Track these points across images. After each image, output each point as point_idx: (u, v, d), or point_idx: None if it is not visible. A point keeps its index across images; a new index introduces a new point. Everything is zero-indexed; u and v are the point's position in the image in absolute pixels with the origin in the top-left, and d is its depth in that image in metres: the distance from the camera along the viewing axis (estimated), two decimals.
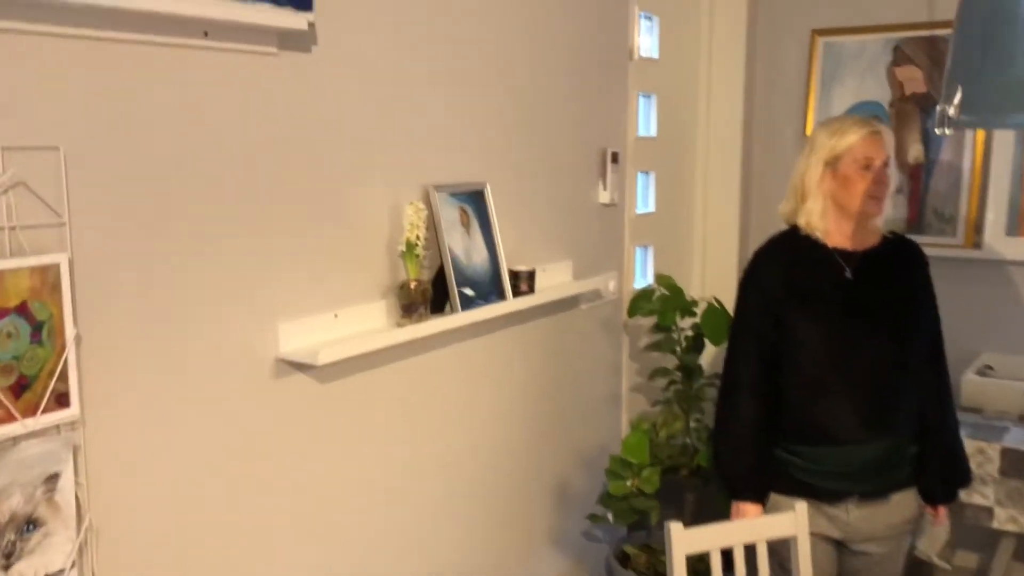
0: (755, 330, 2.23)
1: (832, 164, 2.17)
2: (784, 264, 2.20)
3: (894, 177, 2.17)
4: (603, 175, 2.86)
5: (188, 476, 1.67)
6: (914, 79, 3.42)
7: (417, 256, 2.05)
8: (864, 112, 3.45)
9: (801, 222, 2.22)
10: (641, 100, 3.15)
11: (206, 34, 1.63)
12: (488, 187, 2.33)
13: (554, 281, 2.65)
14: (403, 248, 2.05)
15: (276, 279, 1.82)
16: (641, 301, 2.77)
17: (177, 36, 1.58)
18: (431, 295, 2.08)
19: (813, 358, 2.12)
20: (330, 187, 1.92)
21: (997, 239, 3.28)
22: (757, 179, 3.59)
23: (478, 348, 2.38)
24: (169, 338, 1.62)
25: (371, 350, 1.94)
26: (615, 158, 2.87)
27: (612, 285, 2.95)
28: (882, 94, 3.45)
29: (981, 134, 3.26)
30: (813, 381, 2.12)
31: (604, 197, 2.86)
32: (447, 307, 2.19)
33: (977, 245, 3.28)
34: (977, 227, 3.29)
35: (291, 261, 1.85)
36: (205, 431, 1.70)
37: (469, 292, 2.22)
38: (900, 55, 3.41)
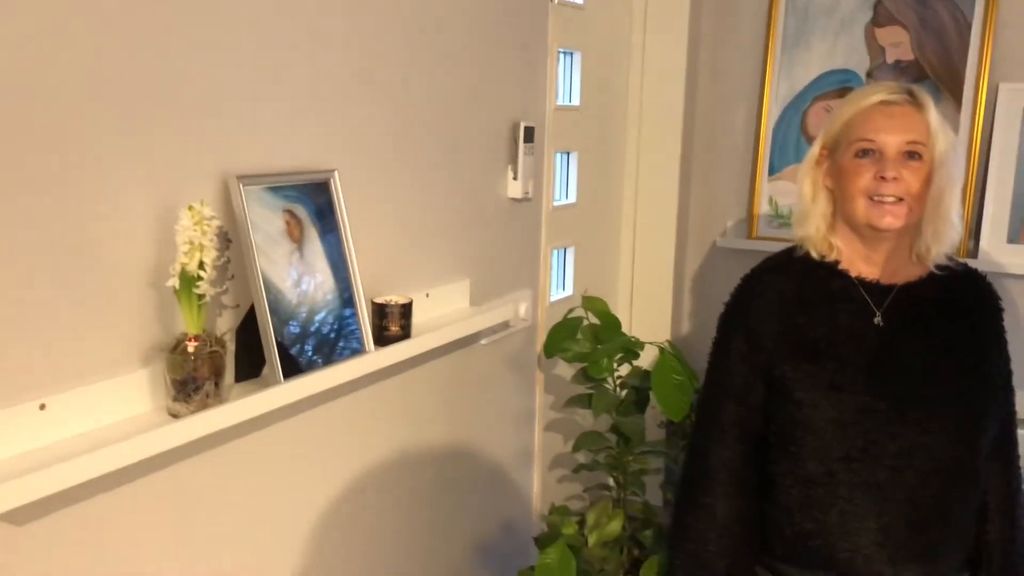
0: (736, 395, 1.51)
1: (833, 151, 1.46)
2: (784, 299, 1.48)
3: (944, 172, 1.44)
4: (514, 160, 2.06)
5: None
6: (899, 43, 2.72)
7: (199, 296, 1.21)
8: (832, 84, 2.76)
9: (801, 238, 1.51)
10: (562, 58, 2.35)
11: None
12: (337, 177, 1.50)
13: (442, 310, 1.84)
14: (175, 283, 1.20)
15: None
16: (562, 337, 1.99)
17: None
18: (222, 359, 1.24)
19: (820, 445, 1.42)
20: (25, 169, 1.06)
21: (997, 247, 2.63)
22: (701, 164, 2.84)
23: (320, 420, 1.55)
24: None
25: (107, 471, 1.09)
26: (529, 135, 2.07)
27: (524, 309, 2.16)
28: (858, 62, 2.75)
29: (980, 114, 2.60)
30: (818, 479, 1.43)
31: (515, 189, 2.06)
32: (264, 371, 1.36)
33: (972, 254, 2.63)
34: (972, 232, 2.64)
35: None
36: None
37: (300, 346, 1.39)
38: (882, 12, 2.71)
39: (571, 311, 2.09)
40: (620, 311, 2.75)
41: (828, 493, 1.39)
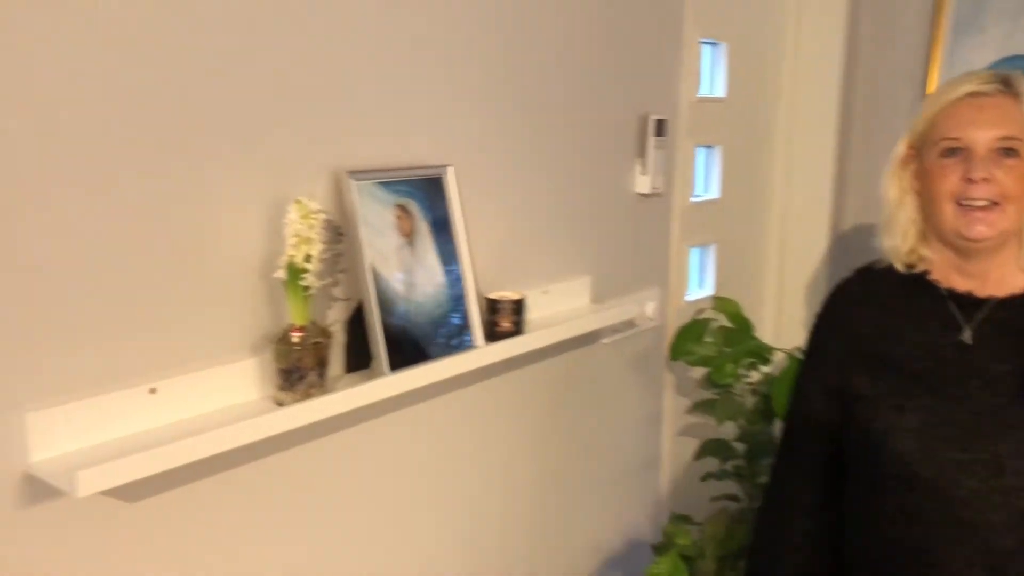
0: (815, 417, 1.42)
1: (920, 150, 1.32)
2: (862, 316, 1.37)
3: None
4: (642, 154, 2.00)
5: None
6: None
7: (305, 289, 1.24)
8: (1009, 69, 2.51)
9: (887, 249, 1.39)
10: (705, 49, 2.27)
11: None
12: (450, 172, 1.50)
13: (560, 308, 1.81)
14: (283, 275, 1.23)
15: (18, 326, 1.03)
16: (689, 339, 1.92)
17: None
18: (326, 350, 1.27)
19: (902, 480, 1.29)
20: (139, 164, 1.12)
21: None
22: (858, 159, 2.66)
23: (428, 415, 1.56)
24: None
25: (212, 454, 1.14)
26: (661, 128, 2.01)
27: (651, 308, 2.10)
28: None
29: None
30: (902, 522, 1.30)
31: (643, 184, 2.00)
32: (373, 363, 1.38)
33: None
34: None
35: (54, 292, 1.05)
36: None
37: (408, 339, 1.40)
38: None
39: (700, 312, 2.01)
40: (765, 314, 2.62)
41: (915, 539, 1.26)
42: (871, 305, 1.38)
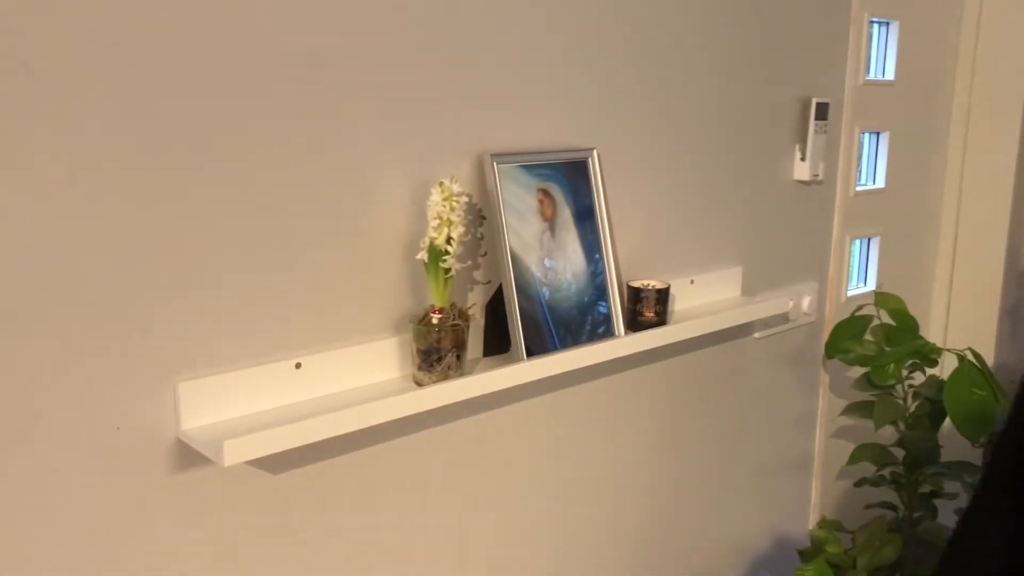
0: (1010, 498, 1.15)
1: None
2: None
3: None
4: (802, 139, 1.90)
5: None
6: None
7: (446, 271, 1.24)
8: None
9: None
10: (875, 28, 2.13)
11: None
12: (596, 155, 1.47)
13: (709, 299, 1.74)
14: (424, 256, 1.24)
15: (173, 299, 1.07)
16: (846, 337, 1.80)
17: None
18: (464, 333, 1.26)
19: None
20: (294, 144, 1.14)
21: None
22: None
23: (565, 402, 1.54)
24: None
25: (352, 430, 1.16)
26: (822, 112, 1.90)
27: (807, 302, 1.99)
28: None
29: None
30: None
31: (802, 171, 1.90)
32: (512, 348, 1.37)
33: None
34: None
35: (206, 267, 1.10)
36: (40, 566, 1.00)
37: (546, 325, 1.38)
38: None
39: (859, 308, 1.89)
40: (933, 313, 2.45)
41: None
42: None
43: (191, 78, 1.04)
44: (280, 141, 1.13)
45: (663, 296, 1.53)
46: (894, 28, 2.19)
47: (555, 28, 1.40)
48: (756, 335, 1.88)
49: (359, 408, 1.14)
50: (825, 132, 1.92)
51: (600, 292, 1.46)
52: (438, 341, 1.24)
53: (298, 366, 1.18)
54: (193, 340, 1.09)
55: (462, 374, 1.27)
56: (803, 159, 1.89)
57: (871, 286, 2.27)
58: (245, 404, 1.14)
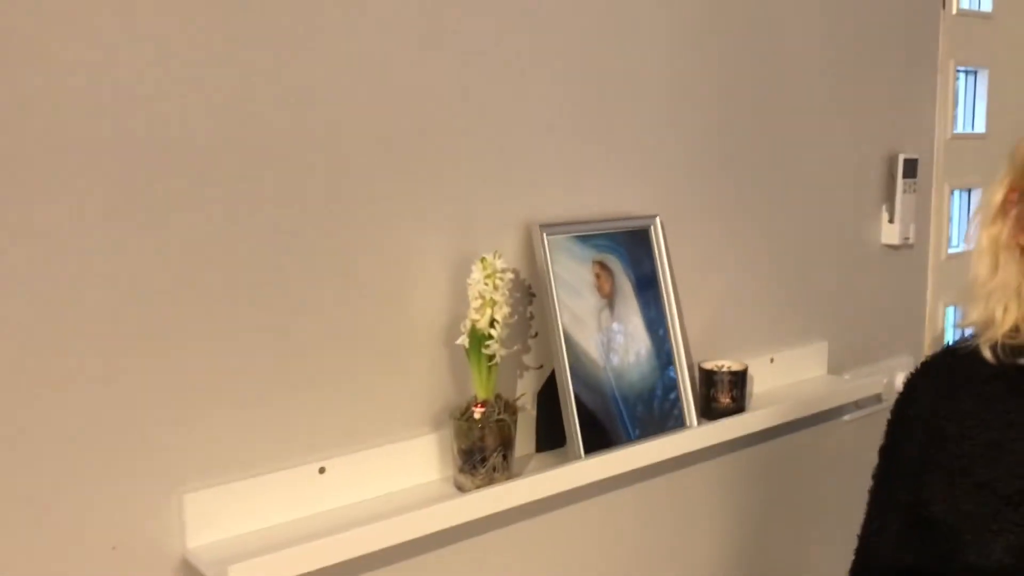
0: (887, 533, 1.12)
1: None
2: (939, 419, 1.03)
3: None
4: (889, 199, 1.72)
5: None
6: None
7: (490, 358, 1.09)
8: None
9: (975, 323, 1.04)
10: (962, 78, 1.95)
11: None
12: (657, 223, 1.31)
13: (791, 379, 1.56)
14: (465, 341, 1.09)
15: (179, 396, 0.94)
16: None
17: None
18: (510, 429, 1.10)
19: None
20: (314, 216, 1.02)
21: None
22: None
23: (631, 502, 1.36)
24: None
25: (381, 548, 1.00)
26: (911, 169, 1.72)
27: (901, 379, 1.78)
28: None
29: None
30: None
31: (890, 234, 1.72)
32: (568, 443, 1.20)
33: None
34: None
35: (215, 358, 0.97)
36: None
37: (608, 416, 1.21)
38: None
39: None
40: None
41: None
42: (961, 398, 1.02)
43: (190, 158, 0.93)
44: (301, 211, 1.00)
45: (740, 379, 1.36)
46: (983, 77, 2.01)
47: (609, 83, 1.27)
48: (846, 418, 1.68)
49: (386, 523, 0.99)
50: (914, 191, 1.73)
51: (668, 375, 1.29)
52: (481, 439, 1.08)
53: (322, 471, 1.03)
54: (200, 443, 0.96)
55: (509, 476, 1.11)
56: (891, 221, 1.71)
57: None
58: (261, 516, 0.99)
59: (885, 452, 1.15)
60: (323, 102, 1.01)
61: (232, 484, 0.97)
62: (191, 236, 0.93)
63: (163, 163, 0.91)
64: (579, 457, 1.17)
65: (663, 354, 1.29)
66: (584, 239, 1.23)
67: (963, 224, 2.06)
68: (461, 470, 1.10)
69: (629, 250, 1.27)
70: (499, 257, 1.09)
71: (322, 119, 1.01)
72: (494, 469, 1.09)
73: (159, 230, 0.91)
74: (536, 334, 1.22)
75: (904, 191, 1.70)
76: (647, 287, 1.29)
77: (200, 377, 0.95)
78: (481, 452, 1.08)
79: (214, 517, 0.96)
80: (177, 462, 0.94)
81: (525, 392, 1.21)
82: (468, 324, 1.09)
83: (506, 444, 1.10)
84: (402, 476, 1.10)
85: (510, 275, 1.10)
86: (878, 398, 1.70)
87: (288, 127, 0.99)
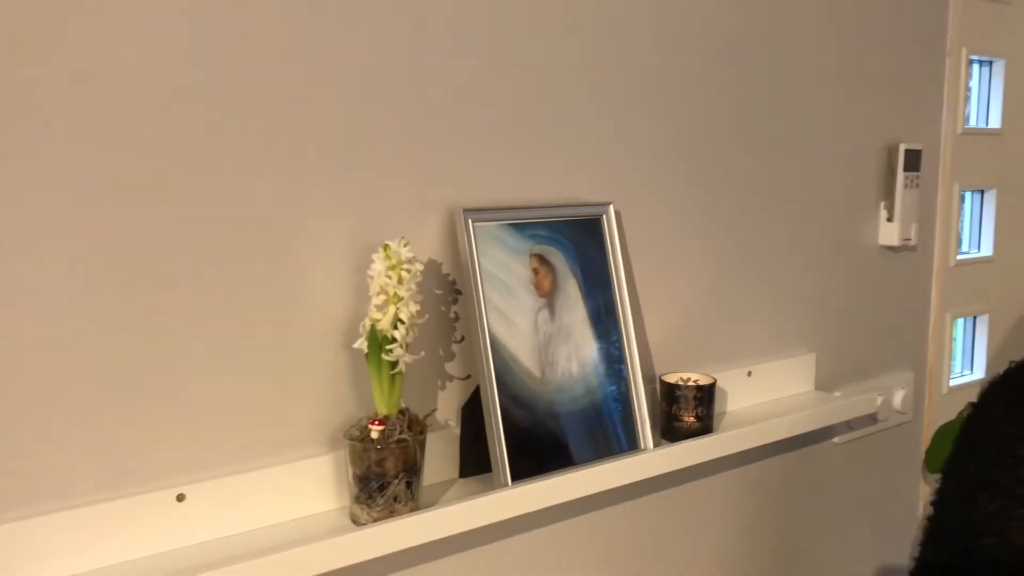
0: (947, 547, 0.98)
1: None
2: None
3: None
4: (888, 195, 1.53)
5: None
6: None
7: (392, 365, 0.91)
8: None
9: None
10: (975, 68, 1.77)
11: None
12: (611, 212, 1.13)
13: (771, 395, 1.37)
14: (363, 344, 0.91)
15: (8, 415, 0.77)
16: (949, 447, 1.39)
17: None
18: (414, 453, 0.92)
19: None
20: (180, 190, 0.84)
21: None
22: None
23: (570, 537, 1.17)
24: None
25: None
26: (913, 162, 1.53)
27: (900, 397, 1.59)
28: None
29: None
30: None
31: (889, 234, 1.53)
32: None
33: None
34: None
35: (41, 359, 0.79)
36: None
37: (543, 436, 1.02)
38: None
39: (970, 407, 1.48)
40: None
41: None
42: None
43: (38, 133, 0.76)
44: (161, 184, 0.82)
45: (707, 394, 1.17)
46: (999, 68, 1.82)
47: (560, 47, 1.09)
48: (836, 440, 1.49)
49: (250, 564, 0.80)
50: (917, 186, 1.54)
51: (620, 389, 1.11)
52: (379, 463, 0.90)
53: (180, 498, 0.85)
54: (29, 460, 0.78)
55: (415, 507, 0.92)
56: (890, 219, 1.52)
57: (978, 373, 1.85)
58: (97, 555, 0.81)
59: (945, 469, 1.04)
60: (191, 64, 0.83)
61: (55, 515, 0.79)
62: (37, 215, 0.76)
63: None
64: (505, 485, 0.98)
65: (614, 364, 1.10)
66: (519, 228, 1.04)
67: (976, 227, 1.86)
68: (357, 499, 0.91)
69: (575, 242, 1.09)
70: (405, 245, 0.91)
71: (190, 84, 0.83)
72: (395, 499, 0.91)
73: None
74: (462, 339, 1.04)
75: (905, 186, 1.51)
76: (597, 286, 1.10)
77: (14, 383, 0.77)
78: (380, 478, 0.90)
79: (28, 557, 0.78)
80: None
81: (440, 407, 1.02)
82: (367, 324, 0.91)
83: (410, 469, 0.91)
84: (286, 506, 0.92)
85: (419, 266, 0.92)
86: (873, 418, 1.51)
87: (148, 91, 0.81)
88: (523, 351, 1.02)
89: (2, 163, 0.75)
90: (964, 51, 1.69)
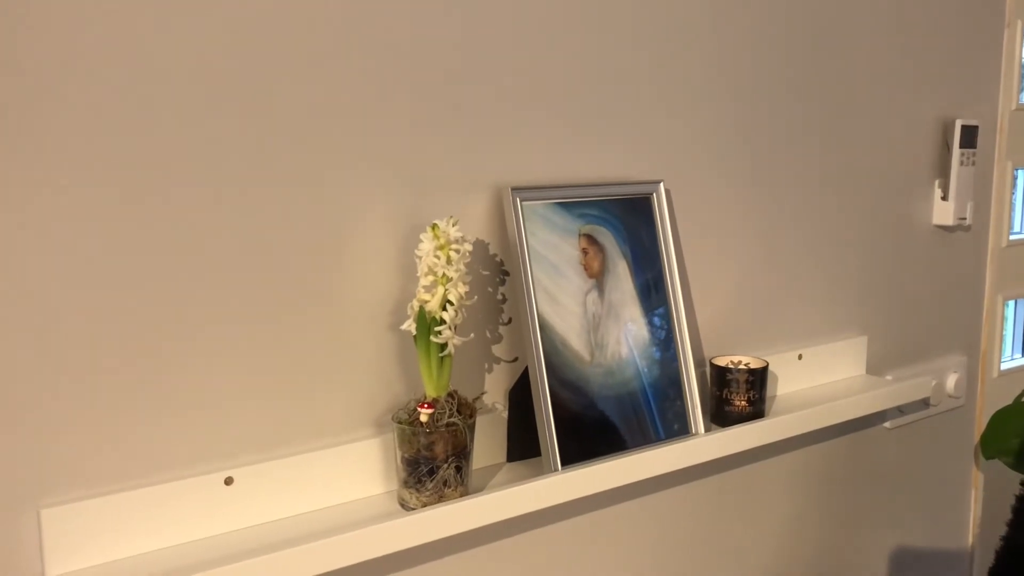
0: None
1: None
2: None
3: None
4: (943, 172, 1.48)
5: None
6: None
7: (441, 348, 0.89)
8: None
9: None
10: None
11: None
12: (661, 190, 1.10)
13: (822, 379, 1.34)
14: (412, 326, 0.89)
15: (39, 385, 0.76)
16: (1009, 430, 1.36)
17: None
18: (464, 436, 0.90)
19: None
20: (230, 172, 0.82)
21: None
22: None
23: (622, 521, 1.15)
24: None
25: None
26: (969, 139, 1.48)
27: (953, 381, 1.55)
28: None
29: None
30: None
31: (943, 214, 1.48)
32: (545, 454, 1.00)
33: None
34: None
35: (92, 338, 0.78)
36: None
37: (592, 420, 1.00)
38: None
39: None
40: None
41: None
42: None
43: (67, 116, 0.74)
44: (213, 167, 0.81)
45: (759, 378, 1.14)
46: None
47: (612, 25, 1.05)
48: (887, 424, 1.45)
49: (299, 549, 0.79)
50: (973, 164, 1.49)
51: (670, 374, 1.08)
52: (428, 447, 0.88)
53: (228, 481, 0.84)
54: (64, 446, 0.77)
55: (465, 492, 0.91)
56: (944, 198, 1.47)
57: None
58: (147, 538, 0.80)
59: None
60: (241, 31, 0.81)
61: (108, 497, 0.78)
62: (63, 204, 0.75)
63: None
64: (555, 470, 0.96)
65: (665, 347, 1.08)
66: (568, 207, 1.02)
67: None
68: (405, 483, 0.90)
69: (625, 222, 1.06)
70: (455, 224, 0.88)
71: (239, 55, 0.81)
72: (444, 483, 0.89)
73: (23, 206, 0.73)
74: (509, 320, 1.01)
75: (962, 163, 1.46)
76: (646, 266, 1.07)
77: (66, 366, 0.76)
78: (429, 462, 0.88)
79: (82, 539, 0.77)
80: (31, 468, 0.76)
81: (488, 390, 1.00)
82: (415, 306, 0.89)
83: (460, 453, 0.89)
84: (335, 489, 0.90)
85: (468, 246, 0.89)
86: (925, 403, 1.47)
87: (196, 66, 0.79)
88: (572, 333, 1.00)
89: (55, 151, 0.74)
90: (1020, 23, 1.63)
